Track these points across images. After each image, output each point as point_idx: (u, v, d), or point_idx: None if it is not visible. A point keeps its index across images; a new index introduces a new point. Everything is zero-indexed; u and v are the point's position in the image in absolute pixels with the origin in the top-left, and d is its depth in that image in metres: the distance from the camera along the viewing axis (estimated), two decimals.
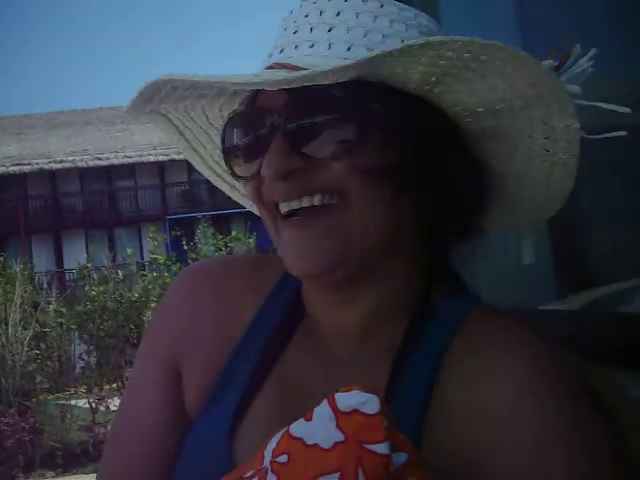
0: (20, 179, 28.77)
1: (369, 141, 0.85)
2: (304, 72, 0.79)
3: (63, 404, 12.54)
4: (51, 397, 13.53)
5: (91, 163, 28.93)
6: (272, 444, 0.78)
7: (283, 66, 0.87)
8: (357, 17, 0.88)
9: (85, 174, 29.54)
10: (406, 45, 0.77)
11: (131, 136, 29.94)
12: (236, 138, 0.92)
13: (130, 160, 29.08)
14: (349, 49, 0.86)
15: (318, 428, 0.75)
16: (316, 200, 0.86)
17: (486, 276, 1.51)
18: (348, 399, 0.75)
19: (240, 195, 1.11)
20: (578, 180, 0.93)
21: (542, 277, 1.56)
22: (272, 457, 0.77)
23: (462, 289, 0.96)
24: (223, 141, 0.94)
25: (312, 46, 0.87)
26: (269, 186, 0.88)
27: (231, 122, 0.93)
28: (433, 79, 0.84)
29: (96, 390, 13.56)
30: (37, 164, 28.47)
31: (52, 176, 29.17)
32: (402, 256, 0.92)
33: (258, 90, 0.89)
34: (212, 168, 1.08)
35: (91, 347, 14.78)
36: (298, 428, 0.76)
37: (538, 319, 1.29)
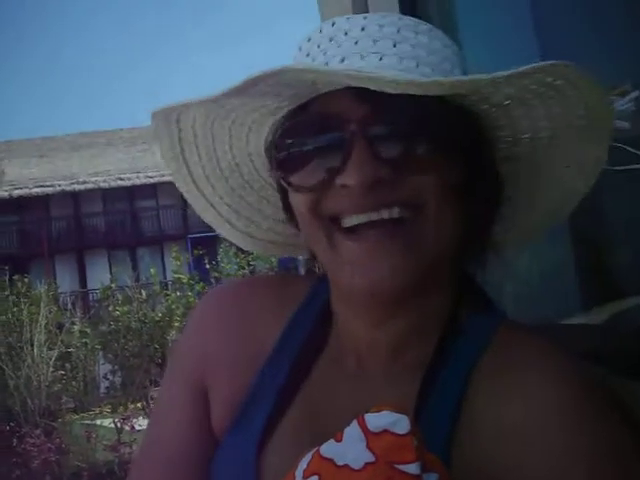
0: (43, 201, 29.03)
1: (451, 158, 0.86)
2: (440, 79, 0.79)
3: (88, 424, 12.56)
4: (76, 417, 13.57)
5: (113, 184, 29.15)
6: (303, 465, 0.78)
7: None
8: (416, 36, 0.88)
9: (107, 195, 29.76)
10: (532, 67, 0.78)
11: (152, 156, 30.11)
12: (297, 147, 0.89)
13: (152, 180, 29.25)
14: (417, 66, 0.86)
15: (348, 449, 0.75)
16: (395, 213, 0.85)
17: (511, 290, 1.51)
18: (378, 420, 0.75)
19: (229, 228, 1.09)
20: (600, 190, 0.94)
21: (567, 290, 1.56)
22: (303, 478, 0.77)
23: (489, 306, 0.96)
24: (277, 149, 0.91)
25: (381, 59, 0.85)
26: (340, 196, 0.85)
27: (289, 131, 0.90)
28: (506, 102, 0.85)
29: (121, 410, 13.58)
30: (60, 185, 28.72)
31: (75, 197, 29.41)
32: (444, 274, 0.92)
33: (319, 97, 0.87)
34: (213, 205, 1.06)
35: (116, 367, 14.83)
36: (328, 449, 0.77)
37: (563, 333, 1.29)
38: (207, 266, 16.12)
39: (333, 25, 0.90)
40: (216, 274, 15.95)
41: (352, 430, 0.76)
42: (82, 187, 28.93)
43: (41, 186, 28.71)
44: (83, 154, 31.34)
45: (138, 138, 31.68)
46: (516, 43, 1.59)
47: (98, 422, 12.85)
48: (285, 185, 0.92)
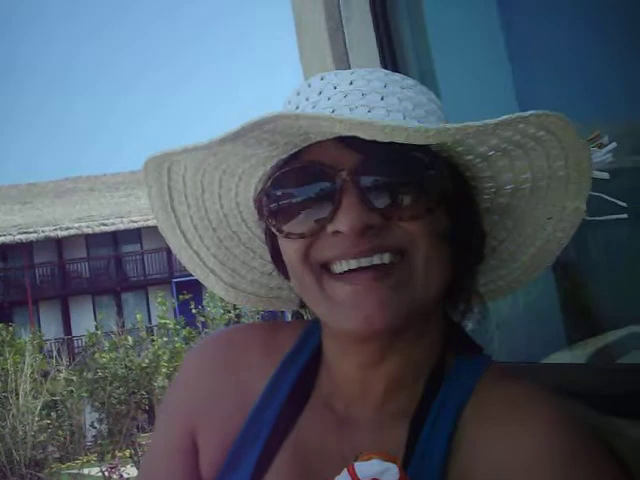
0: (26, 247, 28.86)
1: (440, 206, 0.89)
2: (438, 126, 0.81)
3: (75, 473, 12.36)
4: (63, 466, 13.35)
5: (97, 229, 29.06)
6: None
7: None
8: (402, 90, 0.92)
9: (91, 240, 29.64)
10: (518, 115, 0.81)
11: (136, 201, 30.12)
12: (289, 195, 0.91)
13: (136, 225, 29.21)
14: (404, 118, 0.89)
15: None
16: (385, 258, 0.87)
17: (495, 328, 1.54)
18: (368, 468, 0.77)
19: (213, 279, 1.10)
20: (580, 228, 0.97)
21: (550, 326, 1.58)
22: None
23: (474, 350, 0.98)
24: (269, 198, 0.92)
25: (369, 111, 0.88)
26: (331, 243, 0.87)
27: (280, 179, 0.92)
28: (491, 153, 0.89)
29: (108, 458, 13.37)
30: (43, 232, 28.60)
31: (58, 243, 29.26)
32: (432, 319, 0.95)
33: (310, 146, 0.90)
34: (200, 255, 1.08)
35: (102, 415, 14.62)
36: None
37: (546, 373, 1.31)
38: (193, 310, 16.03)
39: (322, 79, 0.93)
40: (202, 318, 15.85)
41: (343, 479, 0.78)
42: (65, 233, 28.81)
43: (24, 232, 28.57)
44: (66, 200, 31.29)
45: (121, 183, 31.70)
46: (494, 89, 1.63)
47: (85, 471, 12.66)
48: (276, 233, 0.93)
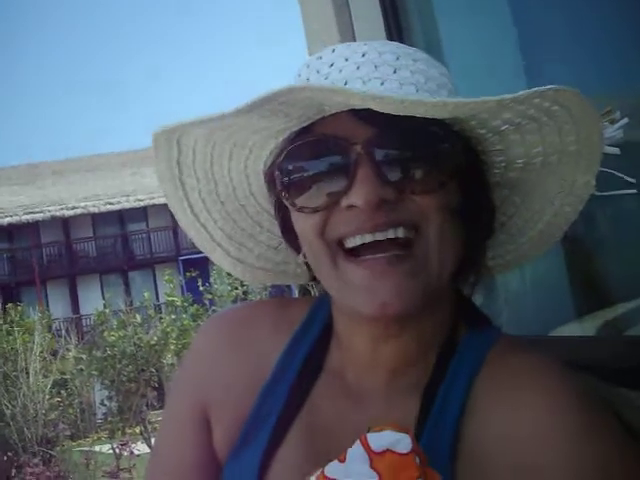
0: (33, 227, 28.94)
1: (450, 180, 0.89)
2: (454, 100, 0.81)
3: (87, 451, 12.47)
4: (74, 444, 13.46)
5: (103, 208, 29.10)
6: None
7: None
8: (414, 63, 0.91)
9: (97, 219, 29.70)
10: (535, 91, 0.80)
11: (141, 179, 30.11)
12: (303, 168, 0.91)
13: (141, 203, 29.24)
14: (417, 91, 0.88)
15: (352, 469, 0.77)
16: (400, 232, 0.87)
17: (504, 301, 1.54)
18: (380, 439, 0.77)
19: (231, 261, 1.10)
20: (590, 199, 0.97)
21: (559, 299, 1.58)
22: None
23: (484, 323, 0.98)
24: (282, 171, 0.92)
25: (382, 83, 0.88)
26: (346, 218, 0.87)
27: (294, 152, 0.91)
28: (503, 128, 0.88)
29: (119, 435, 13.49)
30: (49, 211, 28.66)
31: (65, 223, 29.34)
32: (443, 294, 0.95)
33: (323, 119, 0.89)
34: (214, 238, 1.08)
35: (112, 392, 14.72)
36: (333, 469, 0.79)
37: (556, 346, 1.31)
38: (200, 288, 16.07)
39: (333, 51, 0.93)
40: (209, 295, 15.89)
41: (355, 450, 0.78)
42: (72, 212, 28.87)
43: (30, 213, 28.63)
44: (72, 179, 31.31)
45: (127, 162, 31.67)
46: (500, 60, 1.62)
47: (96, 448, 12.75)
48: (289, 206, 0.93)
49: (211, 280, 16.29)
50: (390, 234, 0.86)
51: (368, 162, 0.86)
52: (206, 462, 1.02)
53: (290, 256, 1.08)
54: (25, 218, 28.50)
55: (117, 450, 11.38)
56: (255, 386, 1.00)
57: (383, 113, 0.82)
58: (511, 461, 0.84)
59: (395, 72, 0.89)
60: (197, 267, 16.74)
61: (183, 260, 26.71)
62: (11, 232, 29.19)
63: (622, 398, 0.96)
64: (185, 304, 15.67)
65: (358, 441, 0.78)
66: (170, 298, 15.80)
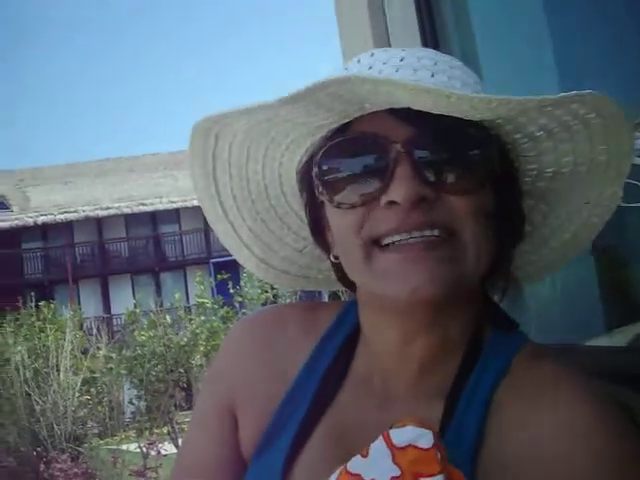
0: (67, 227, 29.28)
1: (486, 183, 0.89)
2: (499, 97, 0.81)
3: (114, 449, 12.56)
4: (102, 442, 13.57)
5: (136, 209, 29.37)
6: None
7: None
8: (451, 69, 0.93)
9: (130, 220, 29.98)
10: (579, 93, 0.81)
11: (174, 182, 30.33)
12: (342, 165, 0.92)
13: (174, 205, 29.46)
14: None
15: (375, 464, 0.78)
16: (435, 232, 0.87)
17: (533, 310, 1.53)
18: (403, 434, 0.78)
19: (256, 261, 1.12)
20: (622, 210, 0.97)
21: (589, 311, 1.57)
22: None
23: (511, 327, 0.98)
24: (321, 169, 0.93)
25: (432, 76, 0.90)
26: (384, 216, 0.88)
27: (333, 149, 0.92)
28: (538, 134, 0.89)
29: (146, 434, 13.56)
30: (83, 211, 28.97)
31: (98, 223, 29.64)
32: (473, 296, 0.95)
33: (362, 117, 0.90)
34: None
35: (141, 392, 14.81)
36: (355, 464, 0.80)
37: (585, 355, 1.31)
38: (231, 290, 16.13)
39: (372, 56, 0.94)
40: (239, 298, 15.94)
41: (378, 445, 0.79)
42: (105, 213, 29.17)
43: (65, 212, 28.97)
44: (106, 180, 31.62)
45: (160, 164, 31.92)
46: (536, 83, 1.61)
47: (124, 447, 12.84)
48: (328, 203, 0.93)
49: (242, 283, 16.34)
50: (426, 232, 0.87)
51: (407, 161, 0.87)
52: (232, 461, 1.03)
53: (313, 261, 1.10)
54: (59, 217, 28.85)
55: (144, 449, 11.44)
56: (281, 389, 1.01)
57: (422, 113, 0.83)
58: (532, 467, 0.84)
59: (433, 76, 0.90)
60: (228, 270, 16.80)
61: (214, 262, 26.85)
62: (45, 231, 29.56)
63: None
64: (215, 306, 15.72)
65: (381, 437, 0.79)
66: (200, 300, 15.87)
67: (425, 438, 0.77)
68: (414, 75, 0.89)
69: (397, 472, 0.77)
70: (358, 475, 0.80)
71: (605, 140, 0.87)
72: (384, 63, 0.92)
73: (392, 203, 0.87)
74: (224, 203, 1.06)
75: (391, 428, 0.80)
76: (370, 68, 0.92)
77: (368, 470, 0.79)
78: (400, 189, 0.86)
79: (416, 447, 0.77)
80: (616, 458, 0.82)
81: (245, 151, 1.00)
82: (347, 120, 0.92)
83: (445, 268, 0.87)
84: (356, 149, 0.91)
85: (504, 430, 0.87)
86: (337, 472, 0.81)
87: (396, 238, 0.87)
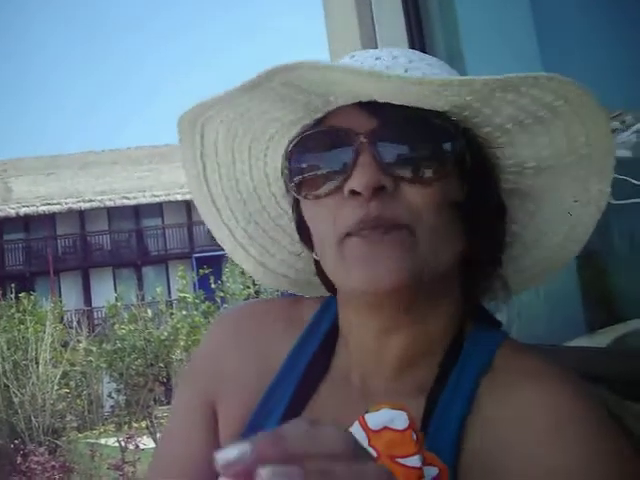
0: (49, 219, 29.11)
1: (452, 174, 0.89)
2: (458, 77, 0.83)
3: (92, 443, 12.52)
4: (80, 435, 13.51)
5: (119, 202, 29.23)
6: None
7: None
8: (428, 66, 0.93)
9: (113, 213, 29.84)
10: (542, 75, 0.81)
11: (159, 175, 30.22)
12: (314, 158, 0.93)
13: (157, 199, 29.35)
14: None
15: None
16: (397, 221, 0.87)
17: (516, 312, 1.54)
18: (378, 417, 0.79)
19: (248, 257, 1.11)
20: (604, 214, 0.96)
21: (570, 313, 1.58)
22: None
23: (492, 324, 0.99)
24: (291, 161, 0.94)
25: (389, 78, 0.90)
26: (351, 209, 0.88)
27: (303, 142, 0.93)
28: (508, 126, 0.89)
29: (125, 429, 13.52)
30: (66, 204, 28.81)
31: (81, 215, 29.48)
32: (450, 292, 0.95)
33: (331, 112, 0.92)
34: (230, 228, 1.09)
35: (120, 385, 14.78)
36: None
37: (565, 356, 1.31)
38: (212, 285, 16.11)
39: (352, 57, 0.95)
40: (221, 293, 15.93)
41: (354, 430, 0.79)
42: (88, 205, 29.01)
43: (48, 204, 28.79)
44: (90, 172, 31.44)
45: (144, 157, 31.79)
46: (523, 69, 1.62)
47: (102, 441, 12.81)
48: (296, 195, 0.95)
49: (224, 278, 16.33)
50: (388, 221, 0.87)
51: (369, 151, 0.87)
52: (212, 455, 1.02)
53: (310, 263, 1.09)
54: (42, 209, 28.66)
55: (122, 443, 11.41)
56: (263, 383, 1.01)
57: (388, 106, 0.85)
58: (515, 462, 0.84)
59: (406, 71, 0.91)
60: (210, 265, 16.78)
61: (197, 257, 26.77)
62: (27, 223, 29.37)
63: (632, 410, 0.96)
64: (197, 301, 15.70)
65: (357, 421, 0.80)
66: (182, 294, 15.85)
67: (400, 420, 0.78)
68: (386, 71, 0.89)
69: (373, 455, 0.76)
70: None
71: (583, 131, 0.87)
72: (361, 63, 0.92)
73: (354, 193, 0.87)
74: (217, 203, 1.06)
75: (367, 412, 0.81)
76: (352, 56, 0.94)
77: None
78: (361, 178, 0.86)
79: (391, 429, 0.77)
80: (600, 447, 0.82)
81: (229, 149, 1.01)
82: (319, 115, 0.93)
83: (404, 256, 0.87)
84: (322, 142, 0.92)
85: (487, 424, 0.87)
86: None
87: (361, 226, 0.88)
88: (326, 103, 0.91)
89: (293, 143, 0.94)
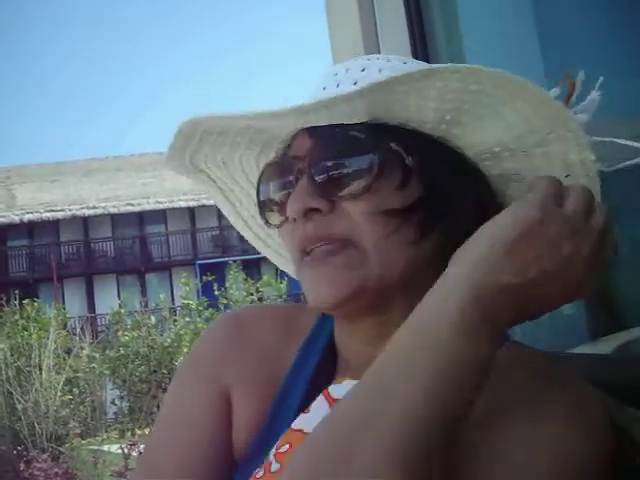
0: (53, 225, 29.20)
1: (385, 182, 0.88)
2: (315, 100, 0.84)
3: (95, 449, 12.53)
4: (83, 442, 13.52)
5: (123, 209, 29.32)
6: (277, 442, 0.86)
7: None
8: (380, 72, 0.93)
9: (117, 220, 29.92)
10: (408, 73, 0.81)
11: (162, 182, 30.30)
12: (270, 188, 0.96)
13: (161, 206, 29.44)
14: (355, 84, 0.91)
15: (316, 418, 0.80)
16: (333, 240, 0.88)
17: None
18: (340, 389, 0.83)
19: (271, 251, 1.13)
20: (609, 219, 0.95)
21: (573, 320, 1.58)
22: (276, 450, 0.86)
23: None
24: (258, 194, 0.98)
25: (325, 88, 0.94)
26: (294, 228, 0.91)
27: (265, 174, 0.97)
28: (448, 117, 0.88)
29: (128, 435, 13.54)
30: (70, 210, 28.90)
31: (84, 222, 29.57)
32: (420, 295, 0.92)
33: (291, 139, 0.94)
34: (246, 221, 1.11)
35: (123, 392, 14.82)
36: (298, 421, 0.87)
37: (569, 363, 1.31)
38: (216, 292, 16.14)
39: (324, 75, 0.97)
40: (224, 300, 15.97)
41: (318, 402, 0.84)
42: (92, 212, 29.11)
43: (51, 210, 28.88)
44: (94, 179, 31.54)
45: (148, 164, 31.87)
46: (524, 71, 1.61)
47: (105, 448, 12.80)
48: (267, 226, 0.98)
49: (227, 285, 16.36)
50: (325, 243, 0.89)
51: (305, 175, 0.90)
52: (225, 455, 0.97)
53: None
54: (46, 216, 28.76)
55: (126, 450, 11.42)
56: (270, 388, 0.99)
57: (320, 126, 0.88)
58: (515, 455, 0.81)
59: (338, 86, 0.93)
60: (214, 271, 16.81)
61: (200, 264, 26.81)
62: (31, 229, 29.47)
63: (631, 416, 0.95)
64: (200, 308, 15.75)
65: (321, 394, 0.84)
66: (185, 301, 15.90)
67: None
68: (321, 92, 0.93)
69: None
70: (300, 430, 0.86)
71: (531, 111, 0.85)
72: (324, 84, 0.95)
73: (294, 219, 0.90)
74: (240, 212, 1.10)
75: (329, 385, 0.84)
76: (323, 87, 0.95)
77: (309, 424, 0.84)
78: (292, 205, 0.89)
79: None
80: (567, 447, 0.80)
81: (229, 177, 1.06)
82: (282, 145, 0.96)
83: (343, 274, 0.87)
84: (276, 172, 0.95)
85: (489, 424, 0.84)
86: (283, 433, 0.87)
87: (304, 246, 0.90)
88: (272, 137, 0.95)
89: (258, 177, 0.98)
